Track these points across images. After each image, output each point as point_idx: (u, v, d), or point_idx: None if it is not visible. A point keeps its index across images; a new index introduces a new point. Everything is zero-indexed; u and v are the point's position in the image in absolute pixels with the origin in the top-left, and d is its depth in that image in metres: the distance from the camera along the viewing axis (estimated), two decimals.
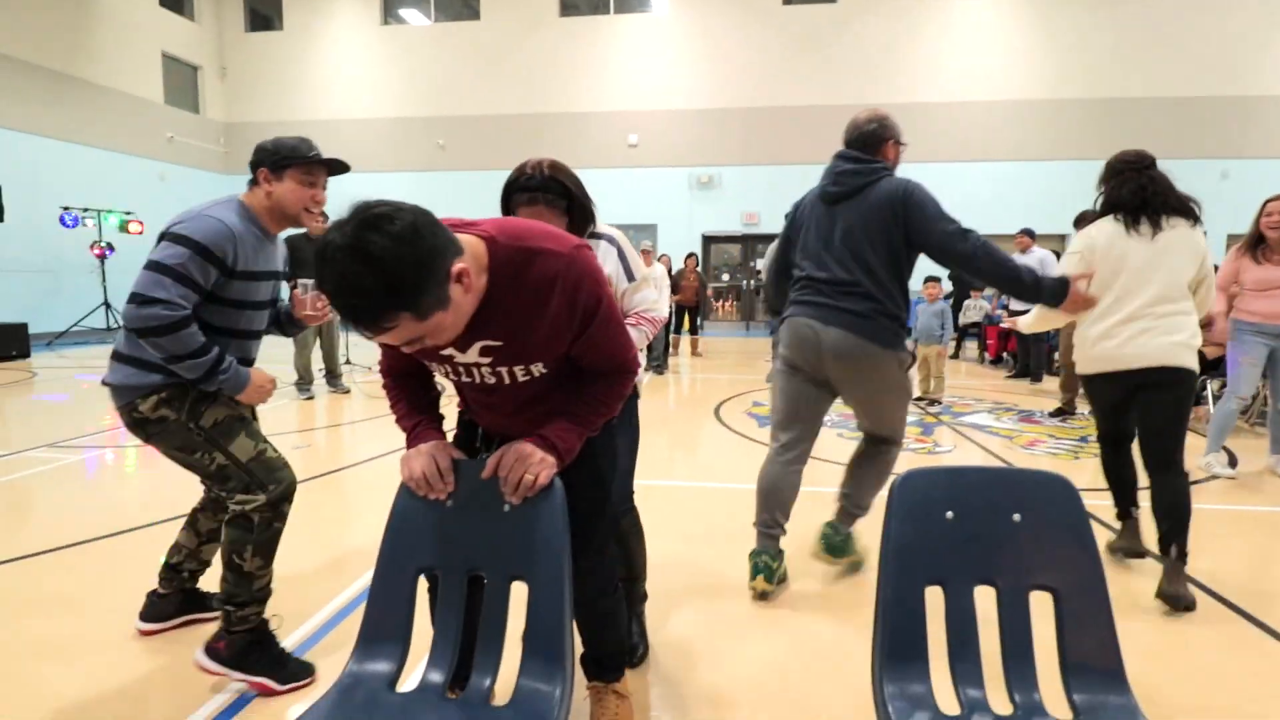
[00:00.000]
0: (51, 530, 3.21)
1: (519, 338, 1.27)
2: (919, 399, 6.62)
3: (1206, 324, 4.99)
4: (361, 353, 9.04)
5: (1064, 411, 6.01)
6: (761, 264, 11.76)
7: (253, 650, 1.98)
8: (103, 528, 3.23)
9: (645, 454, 2.12)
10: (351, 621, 2.37)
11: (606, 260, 1.96)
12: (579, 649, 1.65)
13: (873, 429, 2.75)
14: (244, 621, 1.97)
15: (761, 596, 2.59)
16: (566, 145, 14.41)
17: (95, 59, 13.26)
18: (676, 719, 1.90)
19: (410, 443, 1.42)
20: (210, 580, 2.23)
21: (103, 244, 11.68)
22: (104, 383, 1.93)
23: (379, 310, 1.03)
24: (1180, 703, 1.96)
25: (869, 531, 2.51)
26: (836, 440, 5.08)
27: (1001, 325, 6.04)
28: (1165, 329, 2.49)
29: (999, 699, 1.23)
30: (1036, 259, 7.39)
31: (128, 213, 12.42)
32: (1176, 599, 2.46)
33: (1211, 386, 5.39)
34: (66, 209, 11.48)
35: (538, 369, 1.33)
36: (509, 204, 1.80)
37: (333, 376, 6.97)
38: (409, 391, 1.49)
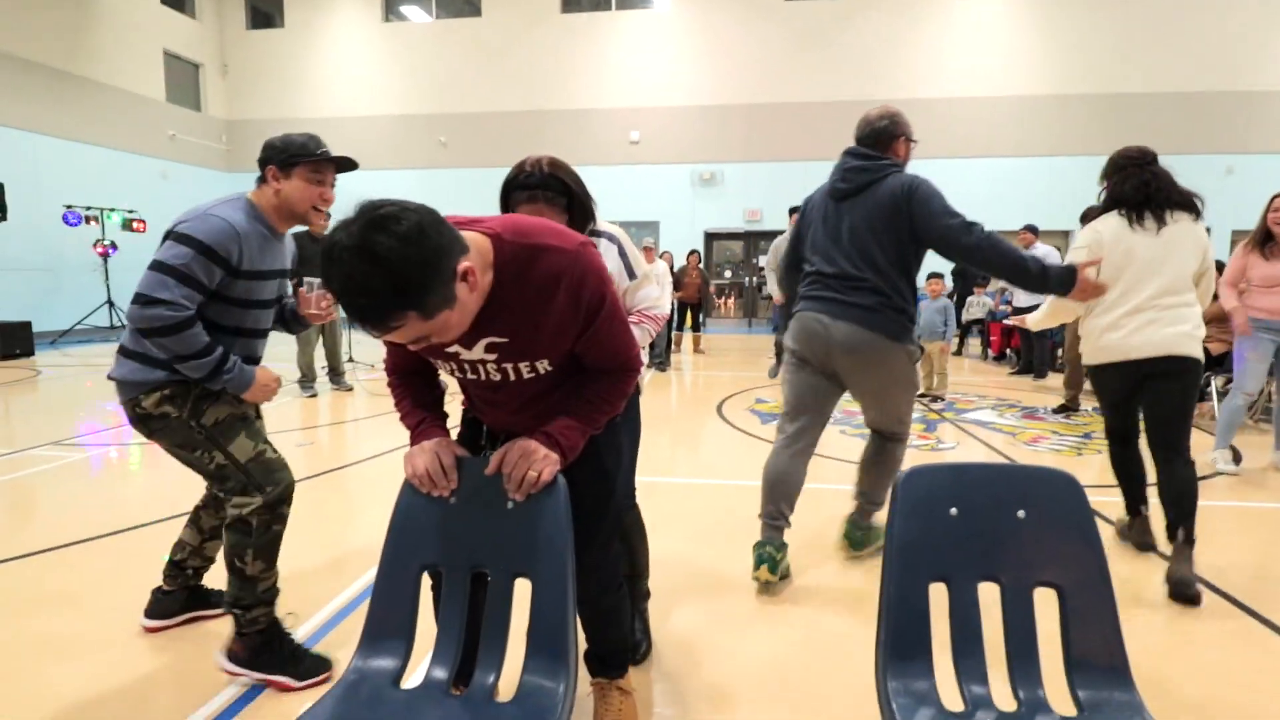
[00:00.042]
0: (55, 528, 3.22)
1: (524, 334, 1.28)
2: (922, 395, 6.61)
3: (1213, 319, 4.99)
4: (364, 350, 9.05)
5: (1067, 408, 6.00)
6: (764, 260, 11.75)
7: (266, 649, 1.99)
8: (106, 526, 3.24)
9: (647, 451, 2.12)
10: (355, 618, 2.38)
11: (607, 258, 1.95)
12: (582, 646, 1.65)
13: (879, 423, 2.78)
14: (254, 623, 1.98)
15: (765, 587, 2.60)
16: (568, 142, 14.40)
17: (96, 57, 13.24)
18: (679, 715, 1.90)
19: (414, 440, 1.42)
20: (215, 577, 2.23)
21: (106, 242, 11.69)
22: (109, 377, 1.94)
23: (386, 310, 1.03)
24: (1185, 699, 1.96)
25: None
26: (839, 437, 5.08)
27: (1008, 322, 6.02)
28: (1171, 320, 2.55)
29: (1003, 695, 1.23)
30: (1040, 255, 7.37)
31: (130, 211, 12.43)
32: (1182, 583, 2.49)
33: (1215, 383, 5.37)
34: (69, 207, 11.50)
35: (542, 366, 1.34)
36: (508, 202, 1.80)
37: (335, 374, 6.99)
38: (413, 389, 1.49)
